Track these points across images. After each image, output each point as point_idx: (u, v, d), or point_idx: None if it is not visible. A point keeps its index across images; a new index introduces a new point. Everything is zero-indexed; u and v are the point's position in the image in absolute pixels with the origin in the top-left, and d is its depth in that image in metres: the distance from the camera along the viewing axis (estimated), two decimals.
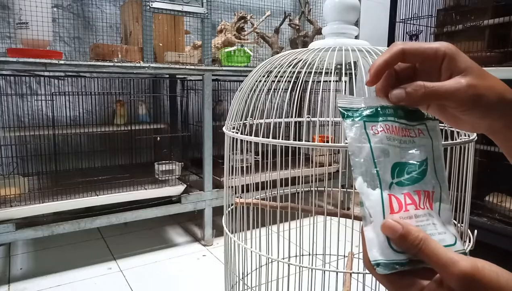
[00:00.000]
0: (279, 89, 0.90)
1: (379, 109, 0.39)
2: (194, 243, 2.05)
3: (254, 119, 0.91)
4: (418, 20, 2.05)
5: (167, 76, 2.28)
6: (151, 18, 1.78)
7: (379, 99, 0.40)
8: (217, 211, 2.02)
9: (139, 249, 1.96)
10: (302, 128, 0.84)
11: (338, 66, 1.48)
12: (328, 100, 1.96)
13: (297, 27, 2.40)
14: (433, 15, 2.07)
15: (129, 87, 2.26)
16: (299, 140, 0.80)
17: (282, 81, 0.88)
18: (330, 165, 2.39)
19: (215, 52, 2.17)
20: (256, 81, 0.89)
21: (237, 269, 0.96)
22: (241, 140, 0.87)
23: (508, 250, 1.60)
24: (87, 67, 1.64)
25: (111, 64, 1.69)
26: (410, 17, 2.03)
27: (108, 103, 2.29)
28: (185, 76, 2.28)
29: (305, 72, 0.86)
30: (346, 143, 0.38)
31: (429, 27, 2.08)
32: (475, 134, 0.80)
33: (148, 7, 1.75)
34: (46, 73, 2.00)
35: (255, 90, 0.89)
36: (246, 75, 0.95)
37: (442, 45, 0.38)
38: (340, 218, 0.85)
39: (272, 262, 0.92)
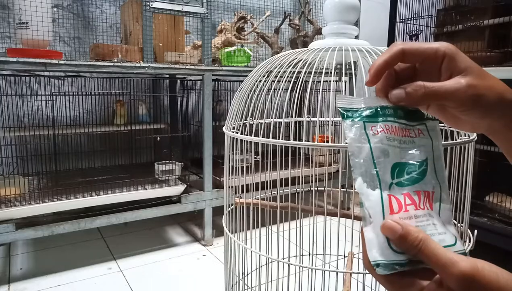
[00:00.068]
0: (279, 89, 0.90)
1: (379, 109, 0.39)
2: (194, 243, 2.05)
3: (254, 119, 0.91)
4: (418, 20, 2.04)
5: (167, 76, 2.28)
6: (151, 18, 1.78)
7: (379, 100, 0.40)
8: (217, 211, 2.02)
9: (139, 249, 1.96)
10: (302, 128, 0.84)
11: (338, 66, 1.48)
12: (328, 100, 1.96)
13: (297, 27, 2.40)
14: (433, 15, 2.07)
15: (129, 87, 2.26)
16: (299, 140, 0.80)
17: (282, 81, 0.88)
18: (330, 165, 2.39)
19: (215, 52, 2.17)
20: (256, 81, 0.89)
21: (237, 269, 0.96)
22: (241, 140, 0.87)
23: (508, 250, 1.60)
24: (87, 67, 1.64)
25: (111, 64, 1.69)
26: (410, 17, 2.03)
27: (108, 103, 2.29)
28: (185, 76, 2.28)
29: (305, 72, 0.86)
30: (346, 143, 0.38)
31: (429, 27, 2.07)
32: (475, 134, 0.80)
33: (148, 7, 1.75)
34: (46, 73, 2.00)
35: (255, 90, 0.89)
36: (246, 75, 0.95)
37: (442, 45, 0.38)
38: (340, 218, 0.85)
39: (272, 262, 0.92)
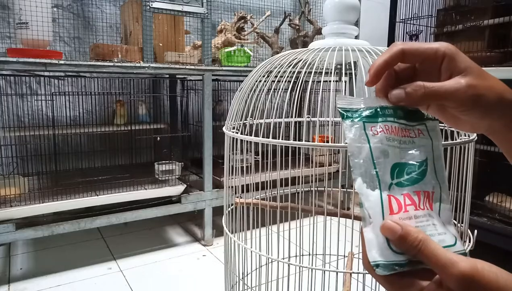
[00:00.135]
0: (279, 89, 0.90)
1: (378, 109, 0.39)
2: (194, 243, 2.05)
3: (254, 119, 0.91)
4: (418, 20, 2.04)
5: (167, 76, 2.28)
6: (151, 18, 1.78)
7: (379, 100, 0.40)
8: (217, 211, 2.02)
9: (139, 249, 1.96)
10: (302, 128, 0.84)
11: (338, 66, 1.48)
12: (328, 100, 1.96)
13: (297, 27, 2.40)
14: (433, 15, 2.07)
15: (129, 87, 2.26)
16: (299, 140, 0.80)
17: (282, 81, 0.88)
18: (330, 165, 2.39)
19: (215, 52, 2.17)
20: (256, 81, 0.89)
21: (237, 269, 0.96)
22: (241, 140, 0.87)
23: (508, 250, 1.60)
24: (87, 67, 1.64)
25: (111, 64, 1.69)
26: (410, 17, 2.03)
27: (108, 103, 2.29)
28: (185, 76, 2.28)
29: (305, 72, 0.86)
30: (346, 143, 0.38)
31: (429, 27, 2.07)
32: (475, 134, 0.80)
33: (148, 7, 1.75)
34: (46, 73, 2.00)
35: (255, 90, 0.89)
36: (246, 75, 0.95)
37: (442, 46, 0.38)
38: (340, 218, 0.85)
39: (272, 262, 0.92)
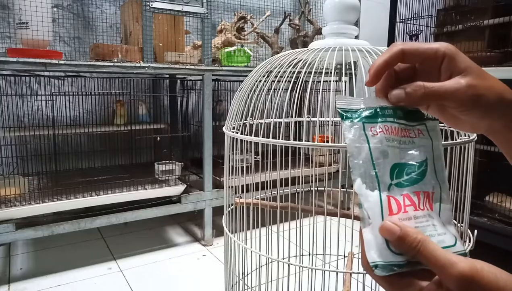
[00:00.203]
0: (279, 89, 0.90)
1: (378, 110, 0.39)
2: (194, 243, 2.05)
3: (254, 119, 0.91)
4: (418, 20, 2.04)
5: (167, 76, 2.28)
6: (151, 18, 1.78)
7: (379, 100, 0.40)
8: (217, 211, 2.02)
9: (139, 249, 1.96)
10: (302, 128, 0.84)
11: (338, 66, 1.48)
12: (328, 100, 1.96)
13: (297, 27, 2.40)
14: (433, 15, 2.06)
15: (129, 87, 2.26)
16: (299, 140, 0.79)
17: (282, 81, 0.88)
18: (330, 165, 2.39)
19: (215, 52, 2.17)
20: (256, 81, 0.89)
21: (237, 269, 0.96)
22: (241, 140, 0.87)
23: (508, 250, 1.60)
24: (87, 67, 1.64)
25: (111, 64, 1.69)
26: (410, 17, 2.03)
27: (108, 103, 2.29)
28: (185, 76, 2.28)
29: (305, 72, 0.86)
30: (345, 144, 0.38)
31: (429, 27, 2.07)
32: (475, 134, 0.80)
33: (148, 7, 1.75)
34: (46, 73, 2.00)
35: (255, 90, 0.89)
36: (246, 75, 0.95)
37: (442, 46, 0.38)
38: (340, 218, 0.85)
39: (272, 262, 0.92)
